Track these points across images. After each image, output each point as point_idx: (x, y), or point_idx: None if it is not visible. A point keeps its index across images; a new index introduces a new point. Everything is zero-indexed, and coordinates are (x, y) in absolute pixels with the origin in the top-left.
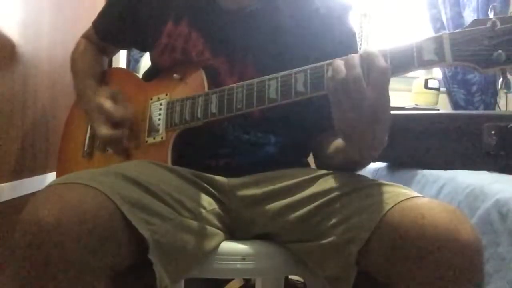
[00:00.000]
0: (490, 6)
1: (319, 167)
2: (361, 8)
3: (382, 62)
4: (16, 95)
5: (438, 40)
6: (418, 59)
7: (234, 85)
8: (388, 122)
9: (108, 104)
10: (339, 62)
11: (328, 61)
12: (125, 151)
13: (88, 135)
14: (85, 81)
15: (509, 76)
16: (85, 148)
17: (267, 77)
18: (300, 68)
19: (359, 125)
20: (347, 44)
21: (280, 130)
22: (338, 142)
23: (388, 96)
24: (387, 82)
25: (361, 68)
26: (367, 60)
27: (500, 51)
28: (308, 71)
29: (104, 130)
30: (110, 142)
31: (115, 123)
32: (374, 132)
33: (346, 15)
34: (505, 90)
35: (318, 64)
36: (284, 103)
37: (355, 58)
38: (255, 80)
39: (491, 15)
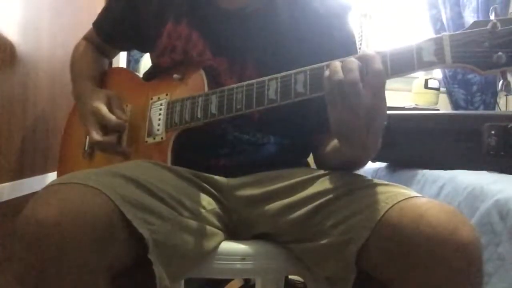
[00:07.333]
0: (491, 8)
1: (318, 167)
2: (361, 8)
3: (378, 65)
4: (16, 95)
5: (438, 41)
6: (418, 60)
7: (234, 85)
8: (383, 123)
9: (103, 109)
10: (337, 64)
11: (327, 62)
12: (120, 154)
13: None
14: (83, 84)
15: (509, 78)
16: (86, 148)
17: (267, 77)
18: (300, 69)
19: (354, 126)
20: (346, 45)
21: (279, 130)
22: (335, 142)
23: (384, 98)
24: (383, 85)
25: (359, 70)
26: (364, 63)
27: (500, 53)
28: (308, 72)
29: (95, 136)
30: (100, 147)
31: (109, 129)
32: (369, 133)
33: (345, 15)
34: (505, 93)
35: (318, 65)
36: (283, 103)
37: (352, 61)
38: (254, 81)
39: (492, 16)
